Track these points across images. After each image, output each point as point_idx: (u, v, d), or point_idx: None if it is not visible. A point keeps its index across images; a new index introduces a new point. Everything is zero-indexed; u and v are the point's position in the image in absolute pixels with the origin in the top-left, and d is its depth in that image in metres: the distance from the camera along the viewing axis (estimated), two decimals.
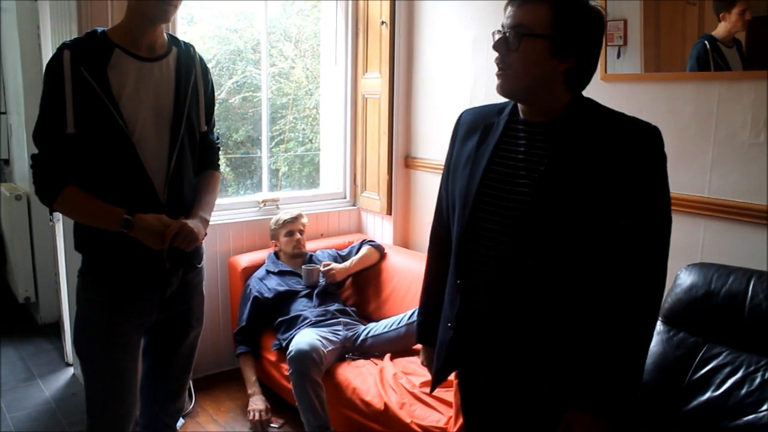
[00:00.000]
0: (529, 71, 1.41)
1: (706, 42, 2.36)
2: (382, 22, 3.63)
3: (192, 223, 1.90)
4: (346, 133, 4.00)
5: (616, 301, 1.41)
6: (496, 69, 1.46)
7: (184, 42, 2.03)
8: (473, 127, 1.61)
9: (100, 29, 1.89)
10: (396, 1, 3.61)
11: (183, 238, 1.85)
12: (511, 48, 1.41)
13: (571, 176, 1.40)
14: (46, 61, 1.85)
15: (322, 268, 3.36)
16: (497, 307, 1.49)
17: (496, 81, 1.47)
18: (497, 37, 1.45)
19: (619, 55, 2.64)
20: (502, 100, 1.56)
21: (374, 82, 3.73)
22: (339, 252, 3.63)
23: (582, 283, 1.43)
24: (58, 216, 3.33)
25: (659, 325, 2.20)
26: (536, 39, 1.38)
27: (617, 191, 1.37)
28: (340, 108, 3.97)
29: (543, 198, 1.41)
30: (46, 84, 1.82)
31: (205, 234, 2.04)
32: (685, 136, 2.44)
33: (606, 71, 2.60)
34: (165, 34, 1.96)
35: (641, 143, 1.40)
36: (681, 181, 2.41)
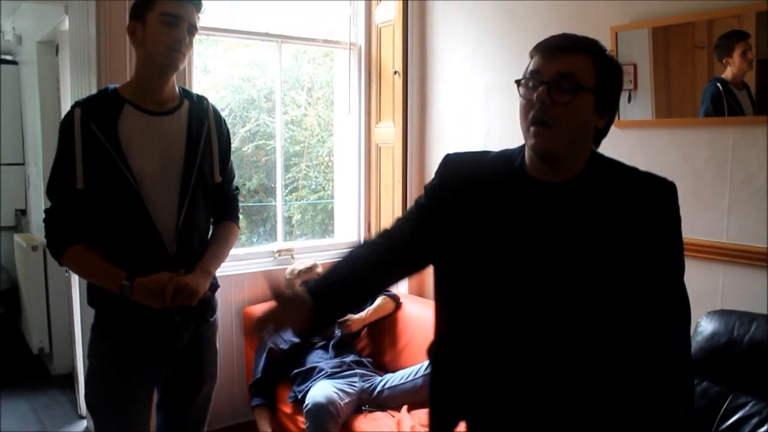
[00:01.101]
0: (576, 128, 1.28)
1: (718, 84, 2.37)
2: (395, 72, 3.67)
3: (190, 278, 1.89)
4: (360, 181, 4.00)
5: (654, 382, 1.29)
6: (536, 126, 1.27)
7: (197, 95, 2.07)
8: (470, 181, 1.41)
9: (112, 87, 1.95)
10: (408, 51, 3.66)
11: (182, 295, 1.85)
12: (558, 101, 1.24)
13: (602, 243, 1.28)
14: (64, 114, 1.89)
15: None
16: (530, 387, 1.35)
17: (532, 138, 1.29)
18: (534, 86, 1.28)
19: (629, 100, 2.65)
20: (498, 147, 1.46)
21: (388, 131, 3.76)
22: None
23: (615, 359, 1.31)
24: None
25: None
26: (586, 92, 1.26)
27: (644, 253, 1.28)
28: (354, 156, 3.99)
29: (581, 269, 1.29)
30: (58, 141, 1.87)
31: (217, 287, 2.04)
32: (701, 181, 2.43)
33: (619, 117, 2.60)
34: (177, 88, 2.00)
35: (662, 200, 1.31)
36: (698, 227, 2.40)
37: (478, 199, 1.38)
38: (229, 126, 2.14)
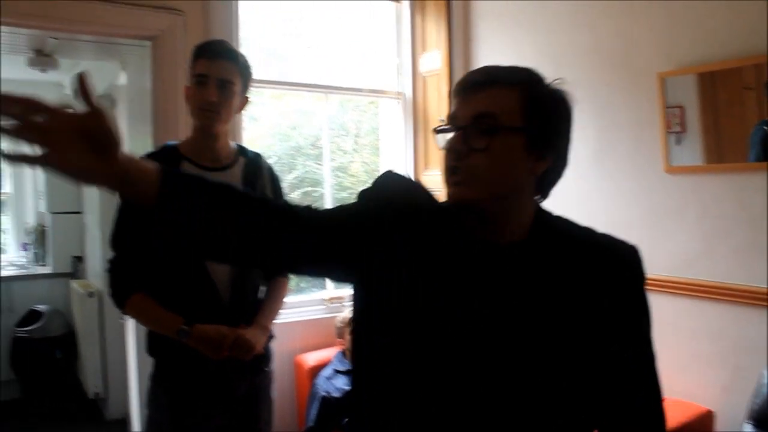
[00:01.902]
0: (501, 176, 1.07)
1: (765, 128, 2.35)
2: (441, 120, 3.71)
3: (250, 332, 1.93)
4: None
5: None
6: (452, 175, 1.08)
7: (253, 152, 2.14)
8: (405, 216, 1.16)
9: (172, 143, 2.04)
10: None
11: (239, 349, 1.89)
12: (474, 147, 1.05)
13: (553, 319, 1.08)
14: None
15: None
16: None
17: (449, 189, 1.10)
18: (446, 132, 1.11)
19: (678, 142, 2.63)
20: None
21: (435, 179, 3.79)
22: None
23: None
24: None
25: (750, 428, 2.10)
26: (509, 133, 1.06)
27: (608, 324, 1.10)
28: None
29: (535, 346, 1.07)
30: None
31: (273, 337, 2.09)
32: (758, 228, 2.38)
33: (669, 163, 2.59)
34: (233, 145, 2.08)
35: (625, 269, 1.13)
36: (757, 274, 2.34)
37: (416, 242, 1.14)
38: (277, 173, 2.21)
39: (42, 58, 3.61)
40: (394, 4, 3.92)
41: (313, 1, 3.75)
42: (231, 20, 2.94)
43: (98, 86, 4.55)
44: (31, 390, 4.96)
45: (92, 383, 4.62)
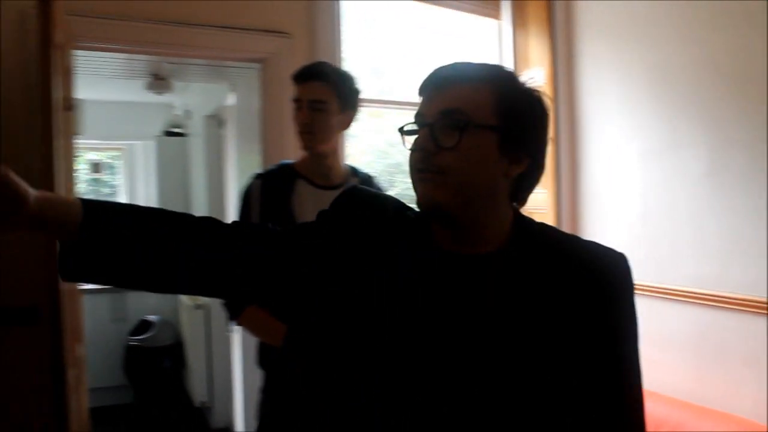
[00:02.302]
0: (473, 177, 0.99)
1: None
2: None
3: None
4: None
5: None
6: (420, 174, 1.01)
7: (365, 173, 2.20)
8: (366, 234, 1.09)
9: (289, 161, 2.12)
10: (559, 118, 3.65)
11: None
12: (443, 144, 0.98)
13: (534, 339, 0.98)
14: (231, 184, 2.09)
15: None
16: None
17: (417, 191, 1.03)
18: (413, 130, 1.05)
19: None
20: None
21: (541, 198, 3.74)
22: None
23: None
24: (235, 327, 3.54)
25: None
26: (481, 130, 0.99)
27: (591, 341, 1.00)
28: None
29: (506, 377, 0.98)
30: (239, 208, 2.05)
31: None
32: None
33: None
34: (345, 165, 2.14)
35: (614, 280, 1.03)
36: None
37: (378, 260, 1.06)
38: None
39: (158, 81, 3.82)
40: (495, 21, 3.90)
41: (416, 20, 3.79)
42: (335, 41, 3.01)
43: (207, 107, 4.77)
44: (142, 396, 5.20)
45: (198, 392, 4.79)
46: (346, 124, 2.10)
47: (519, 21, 3.85)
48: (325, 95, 1.99)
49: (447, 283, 1.03)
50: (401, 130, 1.08)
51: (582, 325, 1.00)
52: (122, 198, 6.56)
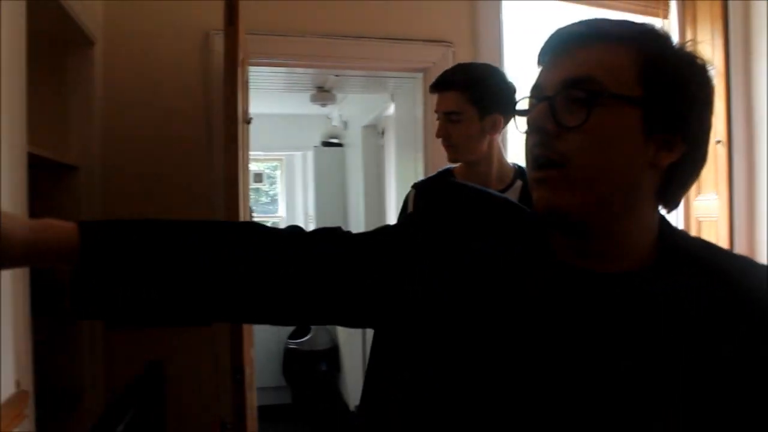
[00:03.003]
0: (606, 168, 0.76)
1: None
2: (718, 141, 3.43)
3: None
4: None
5: None
6: (536, 172, 0.80)
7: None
8: (463, 241, 0.85)
9: (449, 167, 2.05)
10: (732, 119, 3.41)
11: None
12: (566, 123, 0.75)
13: (697, 377, 0.74)
14: (391, 193, 2.09)
15: None
16: None
17: (536, 189, 0.81)
18: (534, 106, 0.80)
19: None
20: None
21: (710, 204, 3.50)
22: None
23: None
24: None
25: None
26: (619, 104, 0.75)
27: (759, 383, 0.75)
28: None
29: (660, 420, 0.74)
30: (398, 218, 2.04)
31: None
32: None
33: None
34: (511, 166, 2.00)
35: None
36: None
37: (480, 276, 0.82)
38: None
39: (322, 93, 3.96)
40: (661, 20, 3.71)
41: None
42: (497, 47, 2.98)
43: (364, 117, 4.88)
44: (299, 397, 5.40)
45: (353, 396, 4.90)
46: (494, 128, 1.90)
47: (688, 19, 3.65)
48: (458, 105, 1.86)
49: (575, 310, 0.78)
50: (516, 110, 0.85)
51: (744, 370, 0.75)
52: (281, 207, 6.87)
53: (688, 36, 3.66)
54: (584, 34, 0.78)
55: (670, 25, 3.70)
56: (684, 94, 0.77)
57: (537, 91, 0.81)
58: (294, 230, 0.88)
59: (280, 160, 6.86)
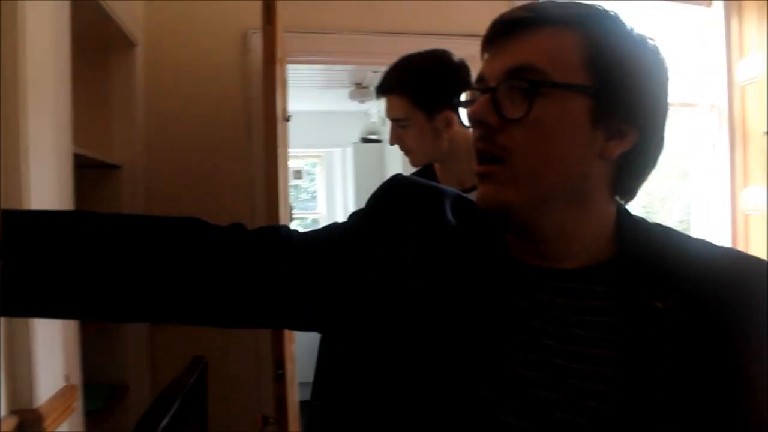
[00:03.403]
0: (552, 160, 0.72)
1: None
2: (765, 132, 3.34)
3: None
4: None
5: None
6: (478, 160, 0.76)
7: None
8: (414, 239, 0.80)
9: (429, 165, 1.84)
10: None
11: None
12: (507, 116, 0.71)
13: (647, 382, 0.69)
14: None
15: None
16: None
17: (479, 185, 0.76)
18: (475, 98, 0.75)
19: None
20: None
21: (757, 197, 3.41)
22: None
23: None
24: None
25: None
26: (563, 92, 0.71)
27: (720, 370, 0.70)
28: (717, 225, 3.69)
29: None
30: None
31: None
32: None
33: None
34: None
35: (750, 290, 0.72)
36: None
37: (432, 274, 0.77)
38: None
39: (361, 90, 3.98)
40: (703, 8, 3.62)
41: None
42: None
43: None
44: None
45: None
46: (448, 125, 1.66)
47: (733, 5, 3.56)
48: (403, 111, 1.66)
49: (527, 309, 0.74)
50: (459, 102, 0.81)
51: (716, 373, 0.70)
52: (320, 204, 6.90)
53: (734, 23, 3.57)
54: (527, 19, 0.73)
55: (713, 13, 3.63)
56: (635, 79, 0.73)
57: (480, 82, 0.76)
58: (236, 228, 0.84)
59: (319, 156, 6.91)
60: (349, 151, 6.14)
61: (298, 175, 6.89)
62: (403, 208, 0.84)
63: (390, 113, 1.71)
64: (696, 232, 3.88)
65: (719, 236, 3.65)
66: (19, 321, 1.23)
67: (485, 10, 2.93)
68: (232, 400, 2.46)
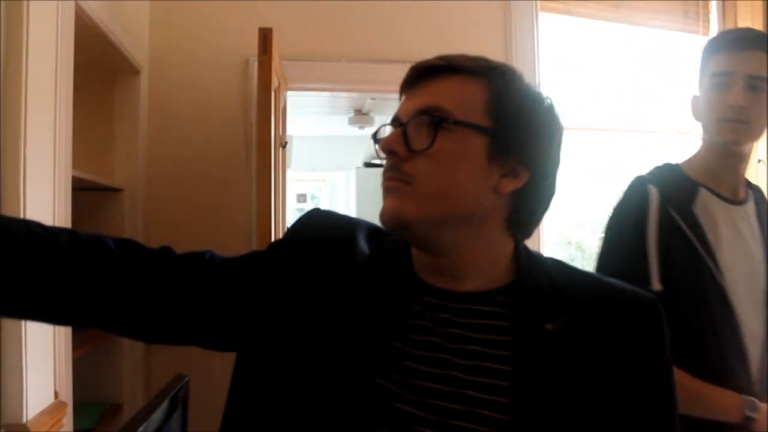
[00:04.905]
0: (448, 187, 0.80)
1: None
2: (759, 160, 3.37)
3: None
4: None
5: None
6: (385, 184, 0.84)
7: (754, 184, 1.63)
8: (326, 263, 0.89)
9: (674, 163, 1.59)
10: None
11: None
12: (414, 147, 0.80)
13: (549, 398, 0.77)
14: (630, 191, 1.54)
15: None
16: None
17: (384, 199, 0.84)
18: (387, 132, 0.86)
19: None
20: None
21: None
22: None
23: None
24: None
25: None
26: (463, 130, 0.81)
27: (614, 401, 0.79)
28: None
29: None
30: (621, 223, 1.51)
31: None
32: None
33: None
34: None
35: (646, 331, 0.83)
36: None
37: (341, 294, 0.86)
38: None
39: (360, 116, 4.05)
40: (698, 36, 3.66)
41: (613, 43, 3.68)
42: (534, 68, 3.01)
43: None
44: None
45: None
46: None
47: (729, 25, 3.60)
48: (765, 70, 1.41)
49: (427, 326, 0.83)
50: (374, 138, 0.89)
51: (598, 387, 0.78)
52: None
53: None
54: (439, 66, 0.84)
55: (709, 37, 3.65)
56: (528, 126, 0.83)
57: (394, 121, 0.86)
58: (164, 250, 0.92)
59: (323, 180, 6.98)
60: (353, 175, 6.20)
61: (302, 198, 6.96)
62: (316, 236, 0.93)
63: (752, 68, 1.44)
64: None
65: None
66: (10, 336, 1.28)
67: (482, 38, 3.01)
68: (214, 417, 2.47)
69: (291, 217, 6.78)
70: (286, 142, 2.49)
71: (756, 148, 3.31)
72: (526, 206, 0.86)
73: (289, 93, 2.72)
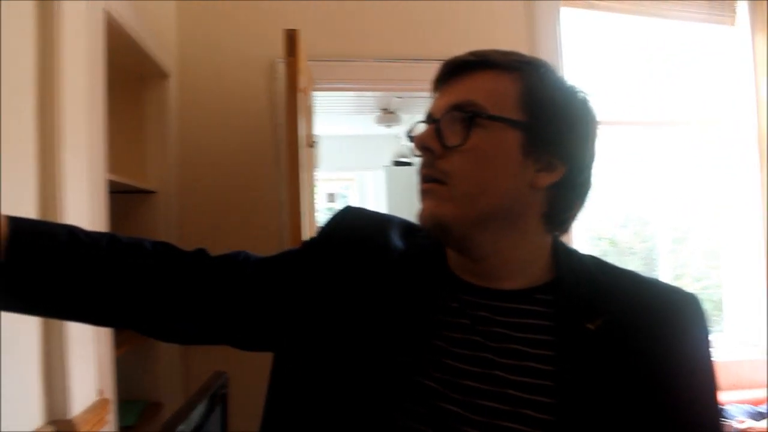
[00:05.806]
0: (485, 184, 0.80)
1: None
2: None
3: None
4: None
5: None
6: (422, 185, 0.84)
7: None
8: (364, 261, 0.89)
9: None
10: None
11: None
12: (448, 143, 0.80)
13: (594, 397, 0.76)
14: None
15: (736, 425, 3.01)
16: None
17: (421, 201, 0.85)
18: (420, 129, 0.85)
19: None
20: None
21: None
22: (756, 408, 3.20)
23: None
24: None
25: None
26: (497, 125, 0.80)
27: (662, 398, 0.77)
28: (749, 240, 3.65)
29: None
30: None
31: None
32: None
33: None
34: None
35: (687, 327, 0.82)
36: None
37: (379, 293, 0.85)
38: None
39: (387, 115, 4.06)
40: (728, 26, 3.62)
41: (636, 35, 3.65)
42: (557, 64, 3.00)
43: None
44: None
45: None
46: None
47: (758, 25, 3.55)
48: None
49: (466, 325, 0.82)
50: (409, 135, 0.88)
51: (641, 386, 0.77)
52: None
53: (758, 40, 3.56)
54: (471, 62, 0.84)
55: (737, 32, 3.62)
56: (563, 119, 0.82)
57: (428, 117, 0.86)
58: (198, 253, 0.94)
59: (352, 179, 7.01)
60: (381, 174, 6.22)
61: (331, 198, 7.00)
62: (350, 233, 0.93)
63: None
64: (726, 257, 3.84)
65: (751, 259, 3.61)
66: (55, 336, 1.32)
67: (506, 35, 3.00)
68: (253, 413, 2.51)
69: (321, 216, 6.86)
70: (315, 142, 2.52)
71: None
72: (563, 201, 0.85)
73: (319, 94, 2.74)
